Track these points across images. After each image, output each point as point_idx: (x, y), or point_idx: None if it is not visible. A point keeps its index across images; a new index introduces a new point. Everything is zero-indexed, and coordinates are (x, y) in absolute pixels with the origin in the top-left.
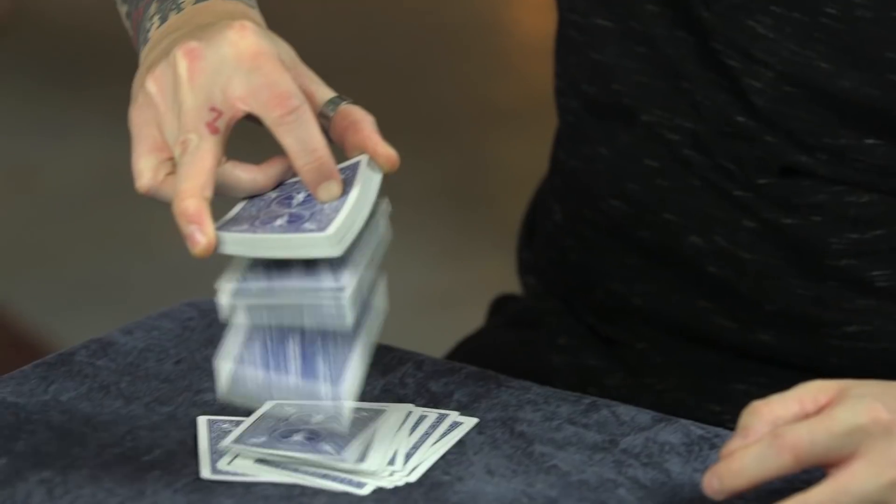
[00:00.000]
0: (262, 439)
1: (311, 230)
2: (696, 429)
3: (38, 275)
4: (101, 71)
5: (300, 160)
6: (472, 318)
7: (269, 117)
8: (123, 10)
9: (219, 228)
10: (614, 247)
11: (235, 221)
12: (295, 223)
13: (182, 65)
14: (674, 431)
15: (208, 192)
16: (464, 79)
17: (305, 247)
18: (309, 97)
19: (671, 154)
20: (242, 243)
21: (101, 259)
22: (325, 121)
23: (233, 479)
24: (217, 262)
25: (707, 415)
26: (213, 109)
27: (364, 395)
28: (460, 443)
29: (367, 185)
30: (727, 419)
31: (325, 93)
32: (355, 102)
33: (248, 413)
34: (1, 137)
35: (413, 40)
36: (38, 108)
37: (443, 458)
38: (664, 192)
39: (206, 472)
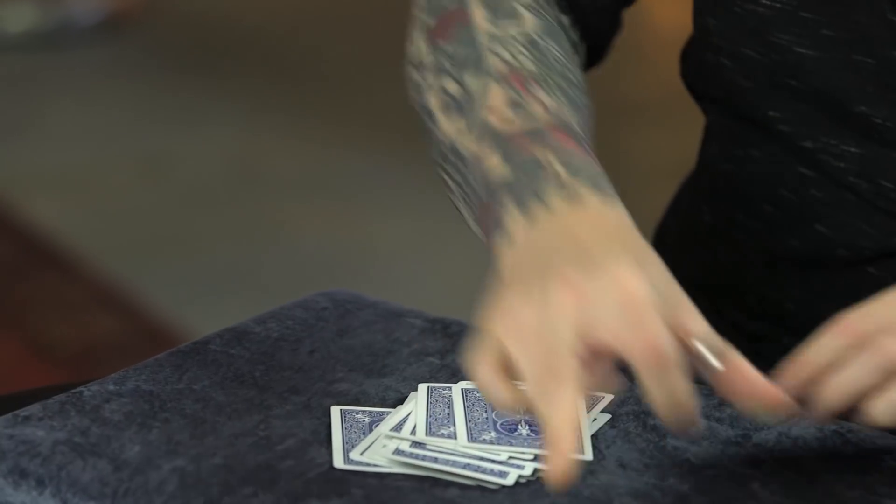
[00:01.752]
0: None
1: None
2: (829, 424)
3: (173, 264)
4: (236, 60)
5: (664, 410)
6: None
7: (640, 365)
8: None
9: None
10: (766, 252)
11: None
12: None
13: (559, 295)
14: (807, 426)
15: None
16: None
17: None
18: (681, 333)
19: (826, 170)
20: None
21: (235, 248)
22: (701, 364)
23: (365, 470)
24: (349, 253)
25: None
26: (587, 345)
27: None
28: (593, 437)
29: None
30: None
31: (698, 327)
32: (724, 343)
33: (381, 402)
34: (137, 127)
35: None
36: (174, 97)
37: None
38: (816, 202)
39: (338, 462)
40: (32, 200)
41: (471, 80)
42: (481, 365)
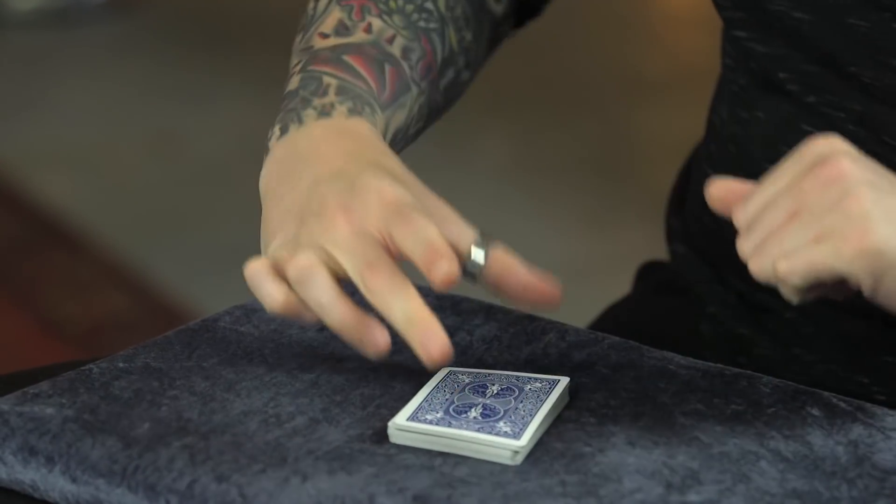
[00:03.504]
0: (438, 415)
1: (505, 433)
2: (839, 402)
3: (182, 241)
4: (246, 38)
5: (415, 254)
6: (614, 288)
7: (416, 258)
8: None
9: (412, 418)
10: None
11: (430, 407)
12: (488, 419)
13: (332, 220)
14: (816, 404)
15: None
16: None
17: (494, 448)
18: (447, 234)
19: (833, 126)
20: (431, 433)
21: (244, 226)
22: (474, 268)
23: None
24: None
25: (856, 387)
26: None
27: (508, 365)
28: (602, 415)
29: (559, 402)
30: (875, 391)
31: (463, 229)
32: (492, 239)
33: (391, 380)
34: (147, 104)
35: (559, 10)
36: (184, 75)
37: (583, 429)
38: None
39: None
40: (42, 177)
41: (321, 2)
42: (253, 265)
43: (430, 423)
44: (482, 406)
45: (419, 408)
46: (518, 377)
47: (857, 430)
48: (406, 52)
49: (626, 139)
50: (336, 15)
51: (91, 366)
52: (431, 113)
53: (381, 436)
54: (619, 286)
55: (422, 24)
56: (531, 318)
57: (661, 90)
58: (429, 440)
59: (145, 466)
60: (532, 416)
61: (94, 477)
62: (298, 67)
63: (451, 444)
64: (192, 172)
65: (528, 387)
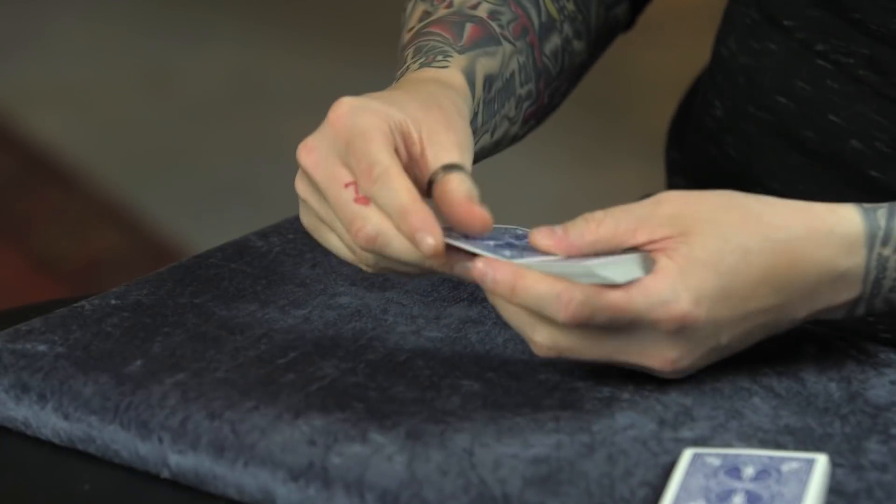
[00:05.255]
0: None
1: None
2: (834, 339)
3: (175, 179)
4: None
5: (394, 219)
6: None
7: (364, 190)
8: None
9: None
10: (777, 145)
11: (688, 495)
12: None
13: (304, 160)
14: (810, 340)
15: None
16: None
17: None
18: (423, 165)
19: (843, 71)
20: None
21: (237, 163)
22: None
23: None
24: None
25: (859, 324)
26: (347, 185)
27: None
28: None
29: (824, 482)
30: (881, 329)
31: (442, 155)
32: (462, 169)
33: (383, 313)
34: (140, 41)
35: None
36: (178, 12)
37: (577, 365)
38: (832, 94)
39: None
40: (34, 115)
41: (409, 5)
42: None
43: None
44: (745, 493)
45: (678, 497)
46: (770, 457)
47: (850, 367)
48: (493, 14)
49: (621, 75)
50: (420, 8)
51: (83, 303)
52: (542, 78)
53: (374, 369)
54: None
55: None
56: None
57: (656, 25)
58: None
59: (138, 403)
60: (800, 500)
61: (86, 414)
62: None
63: None
64: (185, 110)
65: (785, 468)
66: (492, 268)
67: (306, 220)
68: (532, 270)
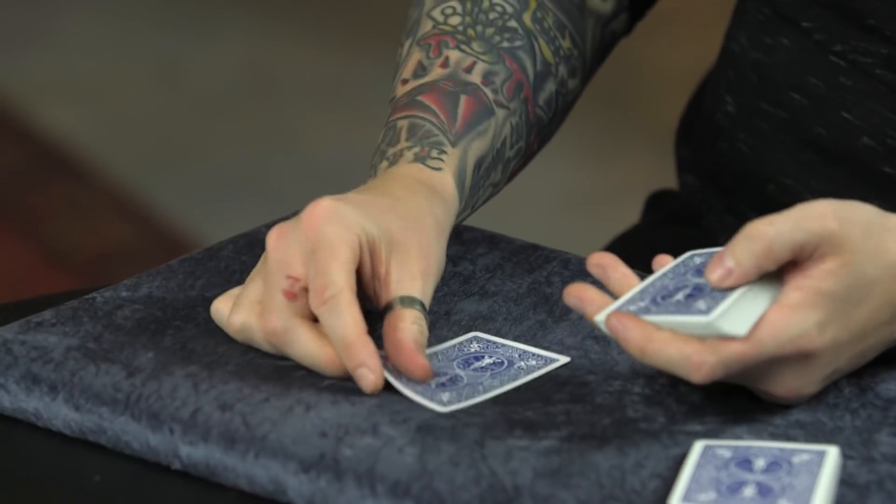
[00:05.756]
0: (712, 496)
1: None
2: None
3: (186, 171)
4: None
5: (336, 346)
6: (621, 219)
7: (312, 305)
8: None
9: (686, 499)
10: (789, 141)
11: (699, 487)
12: (767, 498)
13: (269, 241)
14: None
15: None
16: None
17: None
18: (384, 286)
19: (861, 70)
20: None
21: (248, 156)
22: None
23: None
24: (362, 161)
25: None
26: (289, 277)
27: (510, 293)
28: (605, 344)
29: (835, 474)
30: None
31: (406, 282)
32: (424, 309)
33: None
34: (151, 34)
35: None
36: (186, 5)
37: (587, 357)
38: (845, 91)
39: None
40: (46, 107)
41: (405, 47)
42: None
43: (706, 503)
44: (756, 484)
45: (689, 489)
46: (781, 449)
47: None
48: (488, 76)
49: (631, 69)
50: (415, 57)
51: (95, 294)
52: (534, 130)
53: (385, 364)
54: (626, 217)
55: (505, 44)
56: (534, 248)
57: (668, 19)
58: None
59: (149, 395)
60: (811, 492)
61: (97, 405)
62: (386, 121)
63: None
64: (196, 102)
65: (796, 459)
66: (623, 325)
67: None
68: (661, 331)
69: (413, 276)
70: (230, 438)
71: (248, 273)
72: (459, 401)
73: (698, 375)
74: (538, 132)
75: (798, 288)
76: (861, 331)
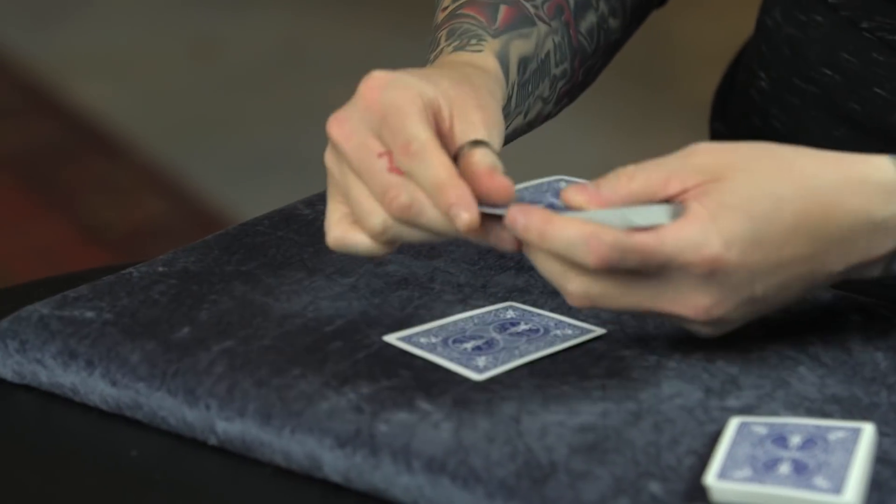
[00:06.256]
0: (747, 472)
1: (825, 489)
2: (879, 308)
3: (220, 147)
4: None
5: (429, 193)
6: None
7: (401, 165)
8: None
9: (721, 476)
10: (822, 117)
11: (734, 464)
12: (803, 475)
13: (332, 132)
14: (856, 310)
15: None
16: None
17: None
18: (450, 141)
19: (891, 48)
20: (747, 492)
21: (282, 132)
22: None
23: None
24: None
25: None
26: (380, 155)
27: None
28: (641, 319)
29: (871, 450)
30: None
31: (470, 132)
32: (487, 145)
33: (430, 281)
34: (183, 10)
35: None
36: None
37: (623, 332)
38: (878, 66)
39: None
40: (81, 83)
41: None
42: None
43: (742, 480)
44: (791, 461)
45: (724, 465)
46: (817, 426)
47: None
48: None
49: (665, 44)
50: None
51: (131, 270)
52: (577, 56)
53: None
54: None
55: None
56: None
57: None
58: (744, 496)
59: (185, 370)
60: (846, 468)
61: (133, 380)
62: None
63: (767, 501)
64: (230, 78)
65: (832, 436)
66: (524, 214)
67: (328, 192)
68: (562, 216)
69: (476, 125)
70: (266, 414)
71: (284, 248)
72: (496, 365)
73: (594, 256)
74: (582, 60)
75: (699, 202)
76: (777, 255)
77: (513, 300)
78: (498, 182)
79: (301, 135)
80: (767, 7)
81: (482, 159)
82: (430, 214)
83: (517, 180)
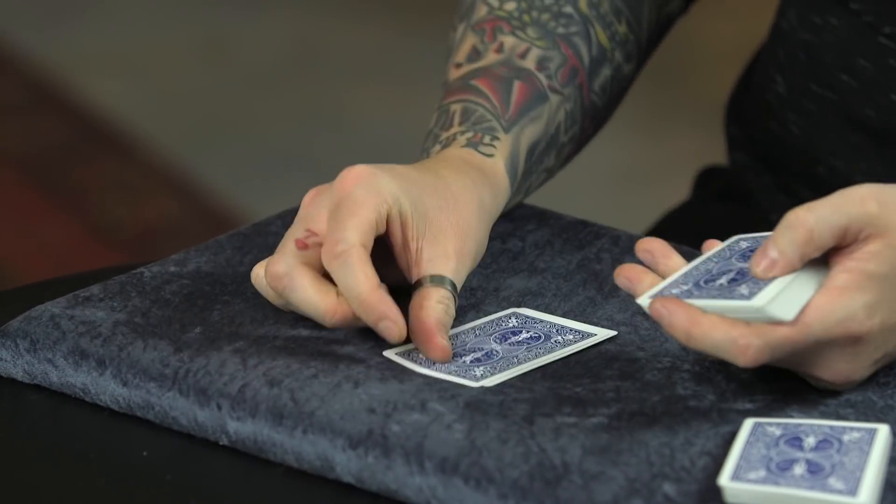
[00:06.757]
0: (762, 473)
1: (840, 491)
2: None
3: (232, 146)
4: None
5: (352, 304)
6: (670, 195)
7: (324, 260)
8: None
9: (735, 477)
10: (838, 123)
11: (748, 465)
12: (817, 476)
13: (304, 200)
14: None
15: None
16: None
17: None
18: (415, 264)
19: None
20: (761, 493)
21: (294, 131)
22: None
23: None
24: (408, 136)
25: None
26: (307, 230)
27: (559, 269)
28: (655, 321)
29: (886, 452)
30: None
31: (437, 262)
32: (454, 289)
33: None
34: (195, 8)
35: None
36: None
37: (636, 333)
38: (893, 72)
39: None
40: (92, 82)
41: (459, 30)
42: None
43: (756, 481)
44: (806, 462)
45: (738, 466)
46: (832, 427)
47: None
48: (542, 62)
49: (682, 45)
50: (469, 41)
51: (142, 269)
52: (588, 115)
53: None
54: (676, 193)
55: (560, 30)
56: (584, 224)
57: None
58: (758, 498)
59: (196, 370)
60: (861, 470)
61: (144, 380)
62: (438, 104)
63: (781, 502)
64: (242, 77)
65: (846, 437)
66: (668, 310)
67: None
68: (707, 315)
69: (447, 255)
70: (278, 414)
71: None
72: (493, 374)
73: (744, 358)
74: (593, 117)
75: (844, 271)
76: None
77: (525, 303)
78: (436, 344)
79: (313, 134)
80: (783, 9)
81: (433, 307)
82: (300, 295)
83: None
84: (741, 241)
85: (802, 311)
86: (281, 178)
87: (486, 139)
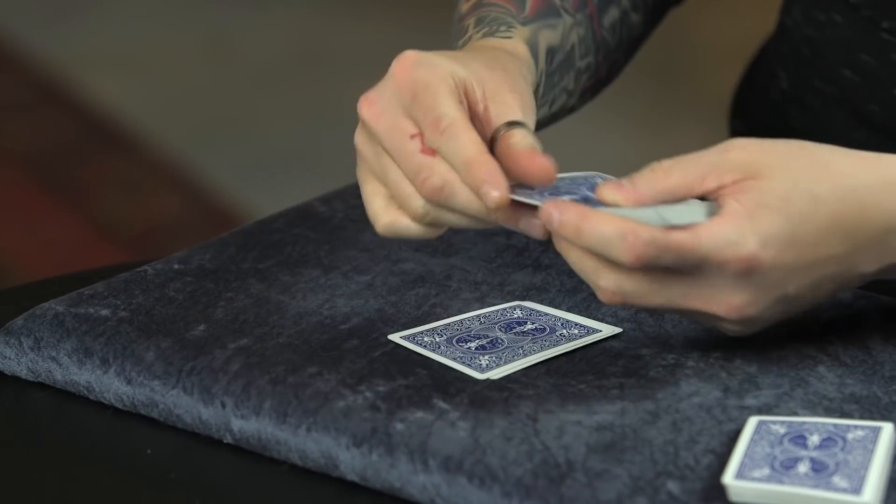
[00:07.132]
0: (766, 472)
1: (844, 489)
2: None
3: (235, 144)
4: None
5: (458, 171)
6: None
7: (430, 142)
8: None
9: (739, 476)
10: (841, 118)
11: (753, 463)
12: (821, 474)
13: (362, 112)
14: (876, 309)
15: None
16: None
17: None
18: (485, 123)
19: None
20: (765, 492)
21: (297, 129)
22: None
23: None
24: None
25: None
26: (412, 136)
27: (564, 265)
28: (659, 317)
29: (890, 450)
30: None
31: (506, 114)
32: (524, 126)
33: (446, 279)
34: (198, 6)
35: None
36: None
37: (641, 331)
38: None
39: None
40: (95, 80)
41: None
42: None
43: (760, 480)
44: (810, 461)
45: (742, 464)
46: (836, 425)
47: None
48: None
49: (685, 41)
50: None
51: (146, 267)
52: (601, 50)
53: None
54: None
55: None
56: None
57: None
58: (762, 496)
59: (200, 368)
60: (866, 468)
61: (149, 378)
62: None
63: (785, 501)
64: (245, 75)
65: (851, 436)
66: (559, 209)
67: (361, 175)
68: (599, 211)
69: (511, 107)
70: (282, 412)
71: (300, 246)
72: (499, 364)
73: (630, 254)
74: (605, 55)
75: (736, 201)
76: (812, 255)
77: (530, 298)
78: (539, 162)
79: (317, 132)
80: (787, 6)
81: (521, 140)
82: (462, 197)
83: None
84: (597, 177)
85: (695, 227)
86: (284, 175)
87: (503, 28)
